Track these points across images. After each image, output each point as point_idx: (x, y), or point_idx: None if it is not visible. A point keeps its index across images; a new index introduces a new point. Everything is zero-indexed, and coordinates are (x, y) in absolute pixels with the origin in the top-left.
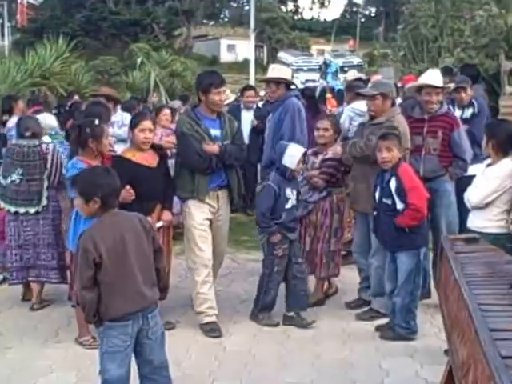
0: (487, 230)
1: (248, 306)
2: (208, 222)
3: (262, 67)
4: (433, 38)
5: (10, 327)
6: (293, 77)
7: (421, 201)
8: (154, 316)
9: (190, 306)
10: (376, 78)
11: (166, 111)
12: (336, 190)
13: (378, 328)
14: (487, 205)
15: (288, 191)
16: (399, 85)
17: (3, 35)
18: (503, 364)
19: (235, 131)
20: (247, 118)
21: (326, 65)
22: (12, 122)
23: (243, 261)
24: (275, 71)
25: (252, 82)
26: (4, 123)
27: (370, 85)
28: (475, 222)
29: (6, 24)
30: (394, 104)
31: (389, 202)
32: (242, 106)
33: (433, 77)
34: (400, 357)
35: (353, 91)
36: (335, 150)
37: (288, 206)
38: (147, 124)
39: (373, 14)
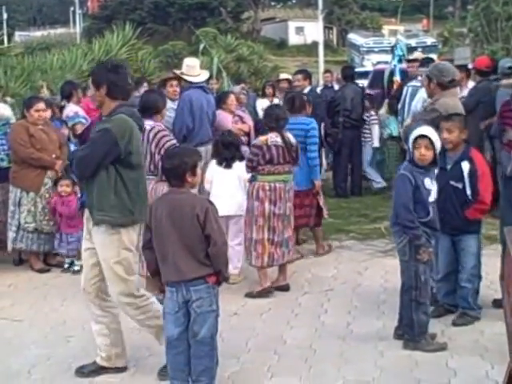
0: None
1: (311, 299)
2: None
3: (331, 49)
4: (506, 15)
5: (72, 315)
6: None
7: (488, 192)
8: (197, 290)
9: (250, 298)
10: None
11: (232, 97)
12: (261, 177)
13: (454, 323)
14: None
15: (427, 181)
16: (470, 66)
17: (75, 22)
18: None
19: None
20: None
21: (395, 46)
22: (71, 110)
23: (306, 251)
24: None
25: (321, 64)
26: (61, 108)
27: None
28: None
29: (78, 11)
30: (444, 88)
31: (459, 185)
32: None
33: None
34: (469, 356)
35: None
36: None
37: (431, 199)
38: None
39: None
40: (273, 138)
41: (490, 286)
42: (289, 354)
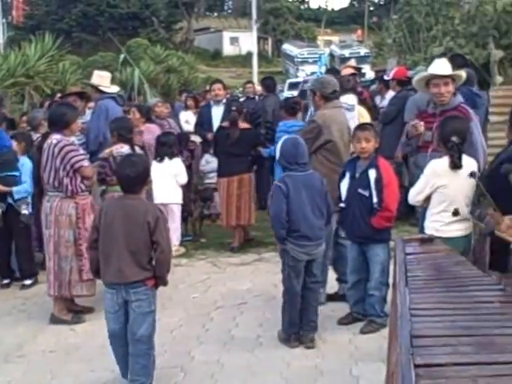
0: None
1: (223, 313)
2: None
3: (266, 60)
4: (428, 26)
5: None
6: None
7: (393, 200)
8: (136, 292)
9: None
10: (346, 70)
11: (132, 110)
12: (111, 188)
13: (362, 331)
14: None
15: None
16: (386, 78)
17: None
18: (415, 373)
19: None
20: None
21: (319, 57)
22: None
23: (224, 265)
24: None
25: (255, 75)
26: None
27: None
28: None
29: (1, 21)
30: (327, 99)
31: (366, 193)
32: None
33: (439, 66)
34: (372, 362)
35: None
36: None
37: None
38: None
39: (382, 2)
40: (118, 149)
41: None
42: (195, 370)
